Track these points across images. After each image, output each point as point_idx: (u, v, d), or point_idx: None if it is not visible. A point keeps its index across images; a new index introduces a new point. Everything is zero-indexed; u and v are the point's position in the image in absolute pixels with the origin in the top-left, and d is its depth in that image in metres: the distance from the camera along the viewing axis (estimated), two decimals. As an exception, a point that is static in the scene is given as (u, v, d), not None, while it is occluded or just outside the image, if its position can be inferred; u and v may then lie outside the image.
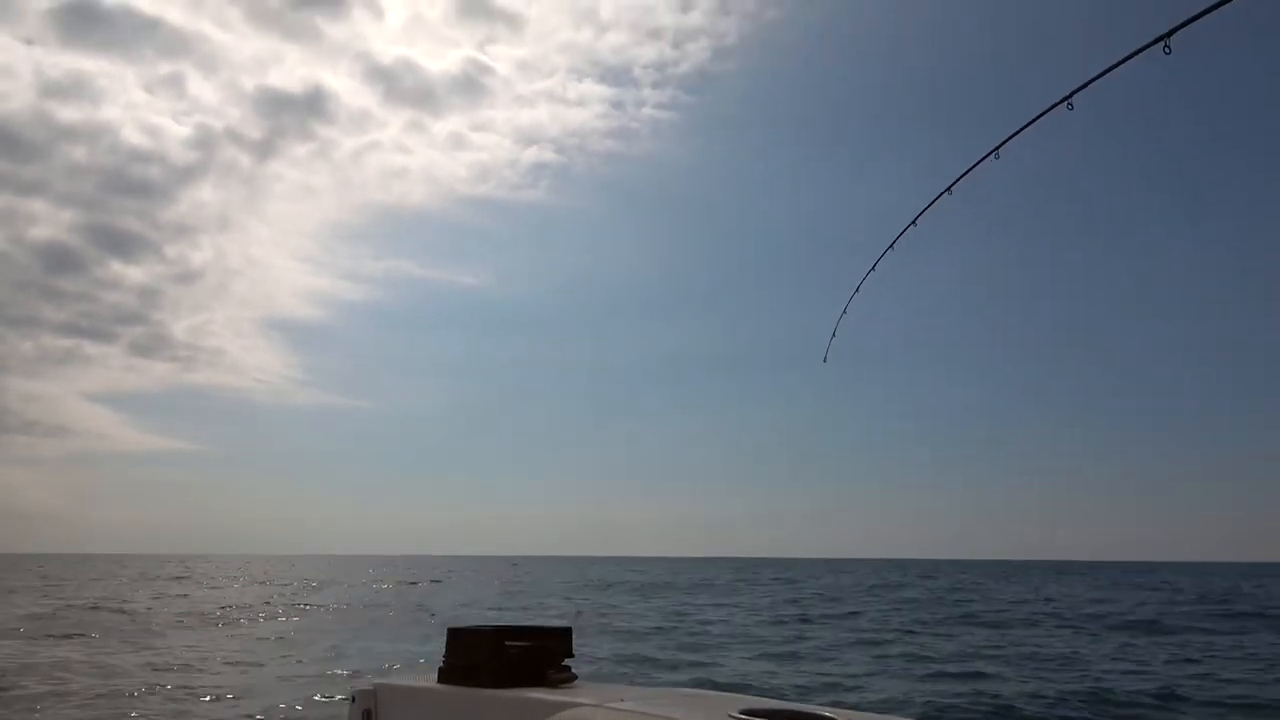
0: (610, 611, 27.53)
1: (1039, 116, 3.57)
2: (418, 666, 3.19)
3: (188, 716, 10.05)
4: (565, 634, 2.99)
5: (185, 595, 37.26)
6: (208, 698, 11.21)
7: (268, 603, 32.18)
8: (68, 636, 20.00)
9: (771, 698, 2.54)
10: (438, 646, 3.03)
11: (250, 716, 10.12)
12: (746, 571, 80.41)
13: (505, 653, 2.86)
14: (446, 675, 2.93)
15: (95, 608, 27.47)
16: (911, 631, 20.98)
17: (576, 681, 2.87)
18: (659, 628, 21.70)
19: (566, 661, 2.92)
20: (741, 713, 2.33)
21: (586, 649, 17.14)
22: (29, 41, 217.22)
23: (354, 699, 3.02)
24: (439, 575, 65.25)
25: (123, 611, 26.13)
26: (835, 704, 2.65)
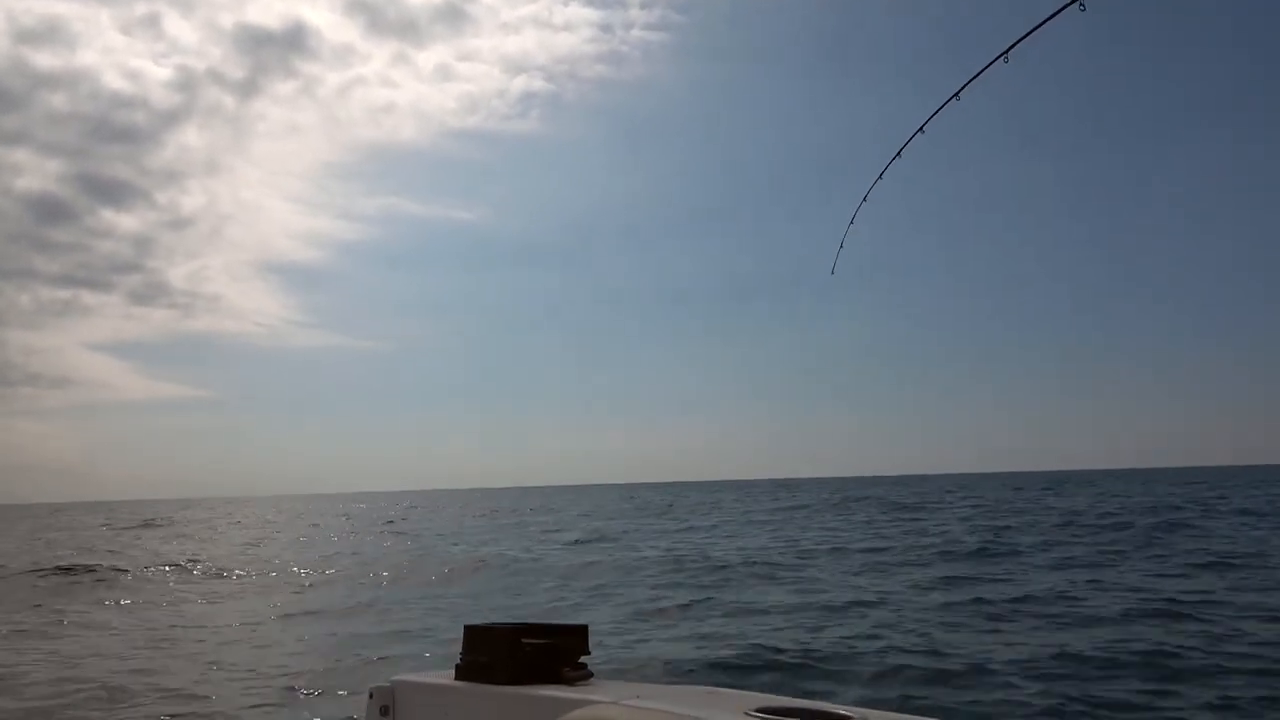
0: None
1: (1051, 17, 3.47)
2: (435, 663, 3.23)
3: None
4: (582, 631, 3.01)
5: (240, 541, 37.40)
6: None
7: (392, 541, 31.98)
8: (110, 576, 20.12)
9: (787, 696, 2.56)
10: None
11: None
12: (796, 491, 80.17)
13: (522, 650, 2.87)
14: (464, 672, 2.95)
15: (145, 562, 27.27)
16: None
17: (593, 679, 2.89)
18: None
19: (583, 659, 2.94)
20: (758, 710, 2.34)
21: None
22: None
23: (372, 695, 3.05)
24: (522, 512, 59.62)
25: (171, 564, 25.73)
26: (858, 702, 2.67)
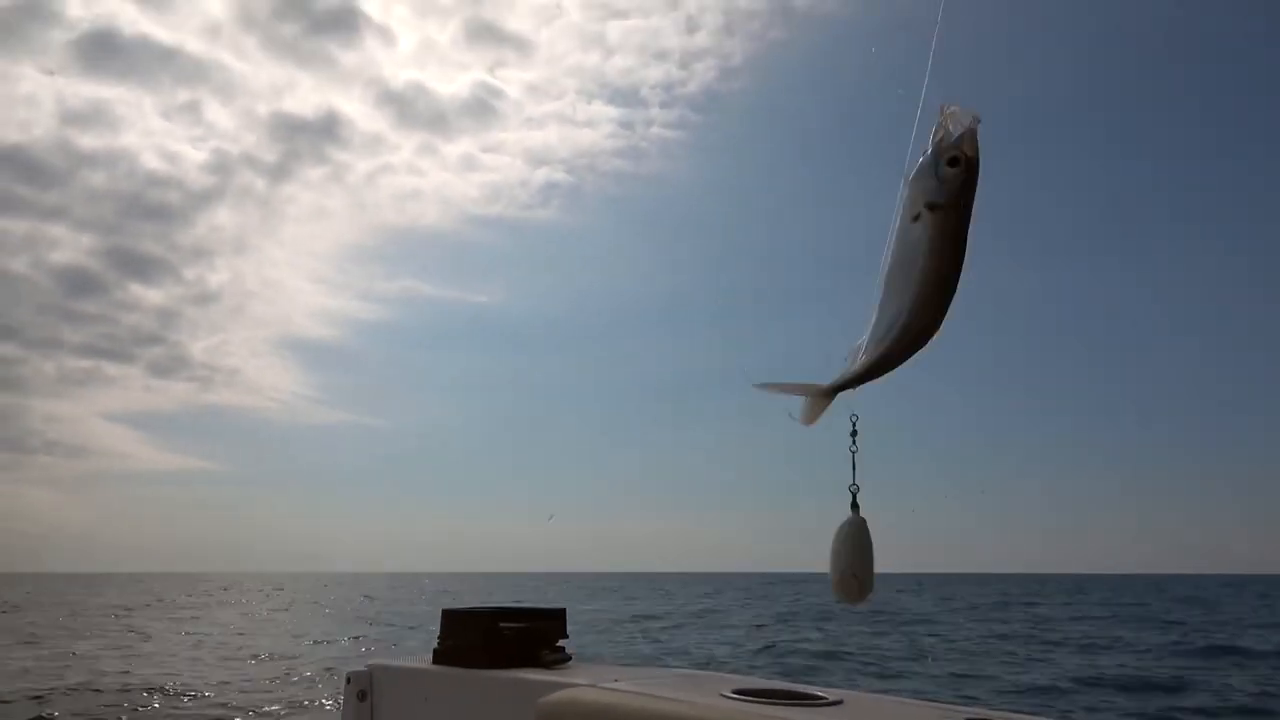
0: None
1: None
2: (412, 648, 3.19)
3: None
4: (559, 615, 2.98)
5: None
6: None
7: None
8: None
9: (762, 677, 2.52)
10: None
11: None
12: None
13: (499, 634, 2.85)
14: (441, 656, 2.92)
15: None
16: None
17: (570, 662, 2.86)
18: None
19: (561, 642, 2.91)
20: (734, 692, 2.31)
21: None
22: (50, 72, 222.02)
23: (349, 680, 3.02)
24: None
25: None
26: (829, 684, 2.63)
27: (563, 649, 2.89)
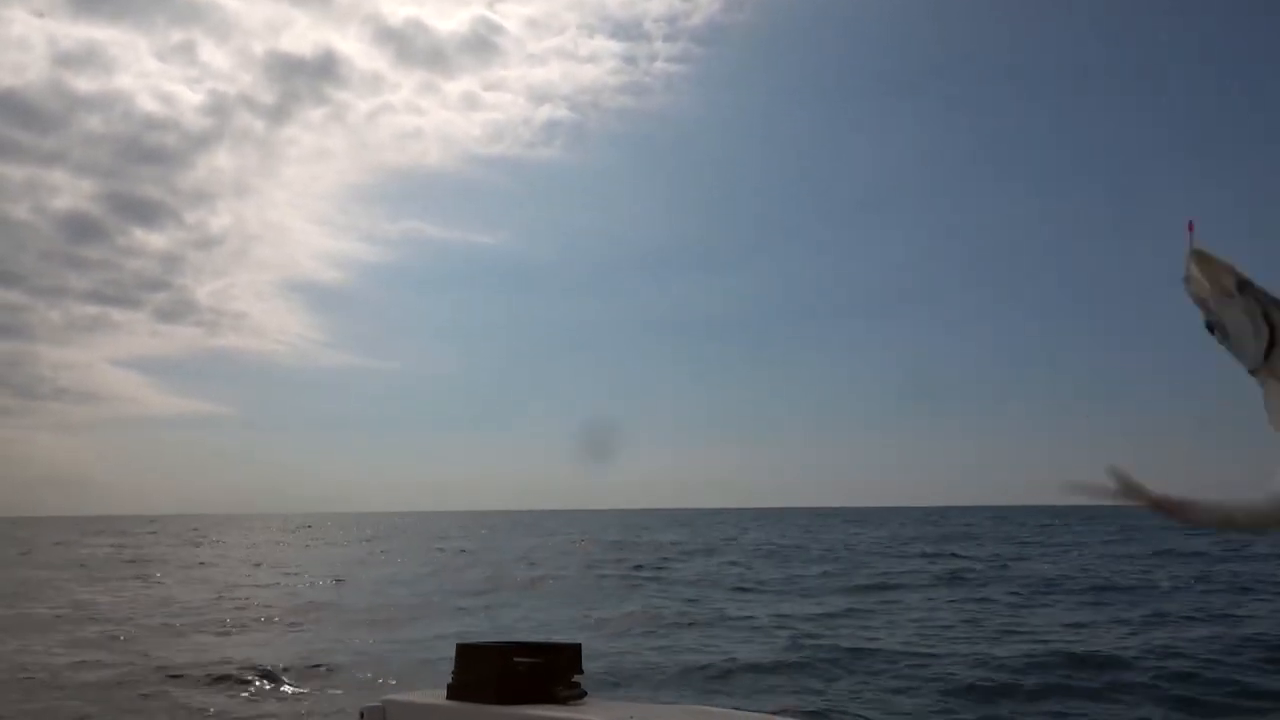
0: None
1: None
2: (425, 683, 3.18)
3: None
4: (575, 650, 2.95)
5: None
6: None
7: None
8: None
9: (784, 716, 2.48)
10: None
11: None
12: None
13: (514, 669, 2.82)
14: (455, 692, 2.90)
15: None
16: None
17: (586, 698, 2.83)
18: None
19: (576, 678, 2.88)
20: None
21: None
22: (40, 14, 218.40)
23: (362, 715, 3.00)
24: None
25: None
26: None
27: (578, 685, 2.86)
